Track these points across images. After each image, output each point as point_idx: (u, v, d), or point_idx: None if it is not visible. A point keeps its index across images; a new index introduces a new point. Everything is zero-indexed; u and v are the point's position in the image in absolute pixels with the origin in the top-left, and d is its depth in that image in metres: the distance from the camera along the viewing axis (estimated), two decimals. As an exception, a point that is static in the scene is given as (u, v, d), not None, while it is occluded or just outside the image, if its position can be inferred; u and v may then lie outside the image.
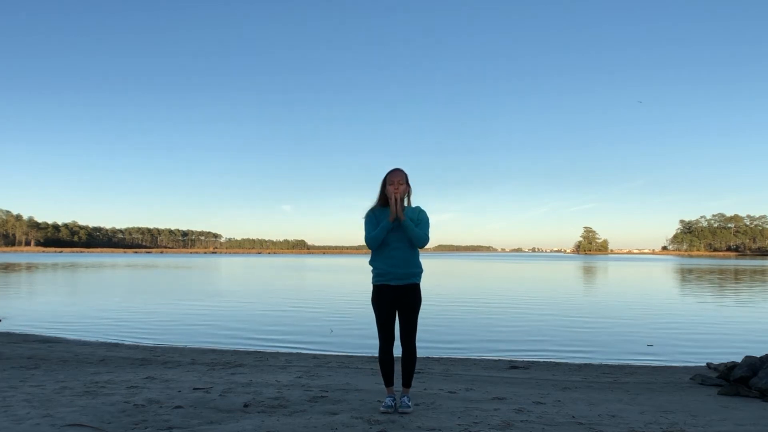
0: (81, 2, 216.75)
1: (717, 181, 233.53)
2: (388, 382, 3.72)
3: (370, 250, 3.71)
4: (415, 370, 5.89)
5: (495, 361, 7.26)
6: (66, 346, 7.95)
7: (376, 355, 3.78)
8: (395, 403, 3.65)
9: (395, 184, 3.61)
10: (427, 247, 3.80)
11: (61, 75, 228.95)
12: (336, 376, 5.38)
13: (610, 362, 7.33)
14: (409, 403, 3.64)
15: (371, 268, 3.71)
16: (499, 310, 13.88)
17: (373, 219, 3.68)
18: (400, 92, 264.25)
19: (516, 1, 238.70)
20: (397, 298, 3.64)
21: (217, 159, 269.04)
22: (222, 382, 4.80)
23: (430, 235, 3.72)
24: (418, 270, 3.69)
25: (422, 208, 3.77)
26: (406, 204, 3.69)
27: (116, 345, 8.35)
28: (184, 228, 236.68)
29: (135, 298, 16.48)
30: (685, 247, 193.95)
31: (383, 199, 3.68)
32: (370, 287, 3.73)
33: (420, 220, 3.69)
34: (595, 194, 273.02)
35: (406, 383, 3.71)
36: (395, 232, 3.61)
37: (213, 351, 7.89)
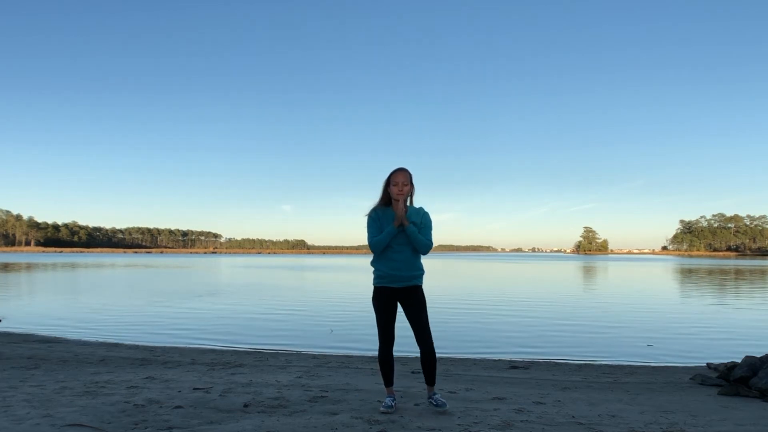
0: (81, 2, 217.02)
1: (717, 181, 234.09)
2: (388, 382, 3.71)
3: (373, 253, 3.68)
4: (417, 370, 5.89)
5: (495, 361, 7.26)
6: (66, 346, 7.95)
7: (377, 355, 3.78)
8: (395, 404, 3.64)
9: (399, 185, 3.55)
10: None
11: (61, 75, 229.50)
12: (336, 376, 5.38)
13: (610, 362, 7.33)
14: (444, 400, 3.62)
15: (372, 269, 3.69)
16: (499, 310, 13.88)
17: (376, 221, 3.63)
18: (400, 92, 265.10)
19: (516, 1, 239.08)
20: (398, 300, 3.63)
21: (217, 159, 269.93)
22: (222, 382, 4.80)
23: (433, 237, 3.69)
24: (419, 272, 3.65)
25: (425, 209, 3.72)
26: (409, 204, 3.66)
27: (116, 345, 8.34)
28: (184, 228, 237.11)
29: (134, 298, 16.47)
30: (685, 247, 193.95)
31: (386, 199, 3.64)
32: (370, 287, 3.72)
33: (423, 223, 3.63)
34: (595, 194, 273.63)
35: (431, 381, 3.65)
36: (398, 235, 3.57)
37: (213, 351, 7.89)
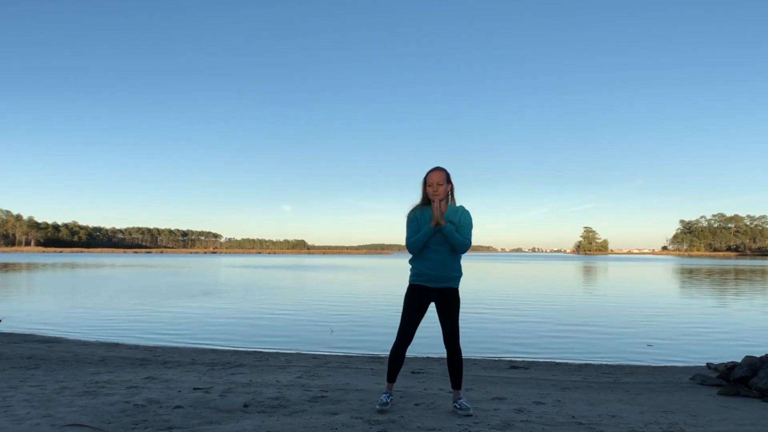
0: (81, 2, 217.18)
1: (717, 181, 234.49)
2: (391, 378, 3.70)
3: (410, 254, 3.66)
4: (417, 370, 5.89)
5: (495, 361, 7.26)
6: (66, 346, 7.95)
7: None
8: (390, 400, 3.65)
9: (434, 185, 3.51)
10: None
11: (61, 75, 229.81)
12: (336, 376, 5.38)
13: (610, 362, 7.33)
14: (468, 405, 3.61)
15: (410, 267, 3.68)
16: (499, 310, 13.88)
17: (414, 221, 3.61)
18: (400, 92, 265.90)
19: (516, 1, 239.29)
20: (432, 300, 3.63)
21: (217, 159, 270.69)
22: (222, 382, 4.79)
23: (473, 236, 3.65)
24: (457, 274, 3.62)
25: (465, 207, 3.65)
26: (449, 202, 3.62)
27: (116, 345, 8.34)
28: (184, 228, 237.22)
29: (135, 298, 16.47)
30: (685, 247, 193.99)
31: (425, 200, 3.61)
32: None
33: (461, 222, 3.58)
34: (595, 194, 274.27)
35: (457, 385, 3.66)
36: (436, 235, 3.55)
37: (213, 351, 7.89)
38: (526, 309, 14.11)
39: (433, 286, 3.59)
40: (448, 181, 3.57)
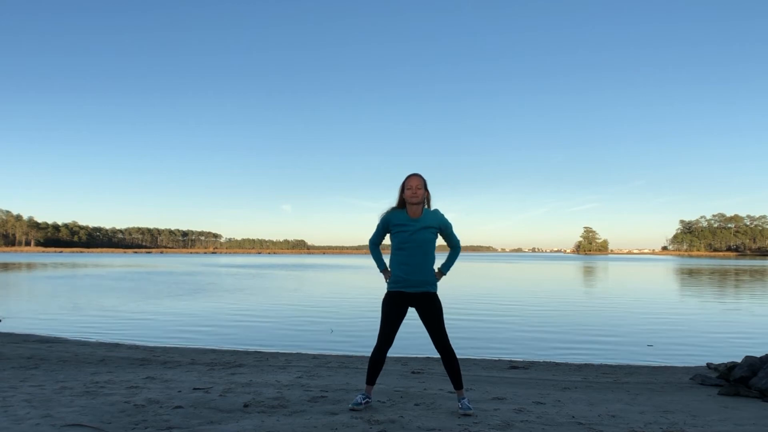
0: (81, 2, 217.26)
1: (717, 181, 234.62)
2: (370, 381, 3.72)
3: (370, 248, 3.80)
4: (417, 370, 5.89)
5: (495, 361, 7.26)
6: (66, 346, 7.95)
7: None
8: (365, 402, 3.66)
9: (413, 188, 3.59)
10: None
11: (61, 75, 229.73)
12: (336, 376, 5.38)
13: (610, 362, 7.33)
14: (470, 405, 3.61)
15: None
16: (499, 310, 13.88)
17: (383, 225, 3.73)
18: (400, 92, 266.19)
19: (517, 1, 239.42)
20: (411, 305, 3.64)
21: (217, 159, 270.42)
22: (222, 382, 4.79)
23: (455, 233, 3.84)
24: (433, 278, 3.67)
25: (440, 210, 3.74)
26: (425, 207, 3.70)
27: (116, 345, 8.34)
28: (184, 228, 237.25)
29: (134, 299, 16.47)
30: (685, 247, 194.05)
31: (401, 203, 3.68)
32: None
33: (443, 225, 3.70)
34: (595, 194, 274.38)
35: (458, 385, 3.67)
36: (412, 239, 3.60)
37: (213, 351, 7.89)
38: (526, 309, 14.11)
39: (412, 291, 3.62)
40: (425, 188, 3.66)
